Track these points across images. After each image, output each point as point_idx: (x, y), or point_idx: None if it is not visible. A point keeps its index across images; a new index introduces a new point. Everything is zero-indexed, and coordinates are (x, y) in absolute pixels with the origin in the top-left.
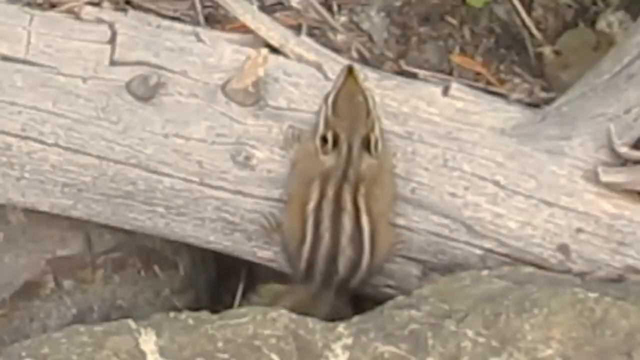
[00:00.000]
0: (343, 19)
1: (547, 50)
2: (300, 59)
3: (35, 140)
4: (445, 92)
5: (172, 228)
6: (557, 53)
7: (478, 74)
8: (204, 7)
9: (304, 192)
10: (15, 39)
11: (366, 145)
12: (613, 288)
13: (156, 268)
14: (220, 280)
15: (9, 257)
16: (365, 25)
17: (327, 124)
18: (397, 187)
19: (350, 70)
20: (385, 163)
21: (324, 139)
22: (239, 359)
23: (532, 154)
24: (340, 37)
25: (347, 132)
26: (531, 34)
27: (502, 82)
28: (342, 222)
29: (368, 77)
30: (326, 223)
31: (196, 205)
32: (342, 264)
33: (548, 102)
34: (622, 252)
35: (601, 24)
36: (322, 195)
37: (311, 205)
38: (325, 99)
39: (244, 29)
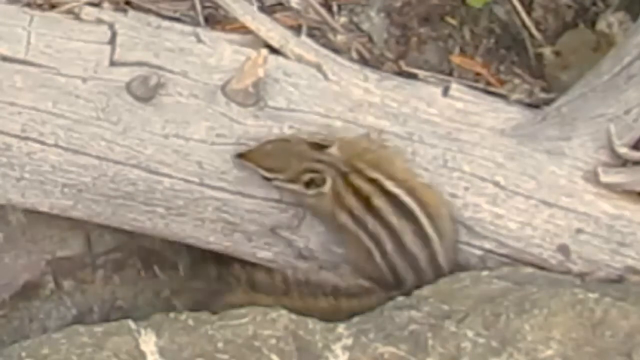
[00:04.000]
0: (343, 19)
1: (547, 51)
2: (300, 59)
3: (35, 140)
4: (445, 92)
5: (172, 229)
6: (557, 54)
7: (478, 74)
8: (204, 7)
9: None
10: (15, 39)
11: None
12: (613, 289)
13: (156, 268)
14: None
15: (9, 258)
16: (365, 26)
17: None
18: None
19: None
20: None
21: (308, 183)
22: (238, 359)
23: (532, 154)
24: (340, 38)
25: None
26: (531, 35)
27: (502, 82)
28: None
29: (368, 78)
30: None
31: (196, 206)
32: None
33: (548, 102)
34: (622, 252)
35: (601, 25)
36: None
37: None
38: None
39: (244, 30)
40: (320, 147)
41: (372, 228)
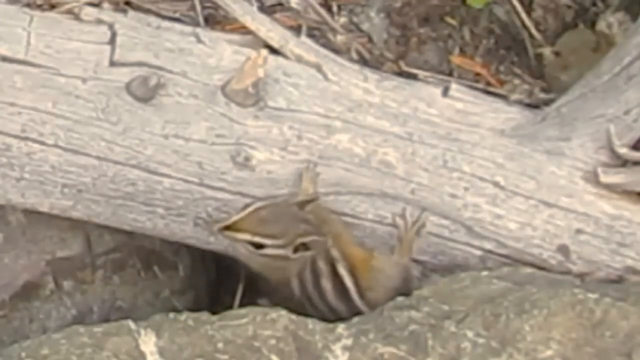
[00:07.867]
0: (343, 19)
1: (546, 51)
2: (300, 59)
3: (35, 141)
4: (445, 93)
5: (172, 229)
6: (556, 54)
7: (478, 74)
8: (203, 8)
9: None
10: (15, 39)
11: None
12: (613, 289)
13: (156, 269)
14: (220, 281)
15: (8, 258)
16: (365, 26)
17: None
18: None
19: None
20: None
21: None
22: (238, 359)
23: (532, 154)
24: (340, 38)
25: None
26: (531, 35)
27: (501, 83)
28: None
29: (368, 78)
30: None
31: (196, 206)
32: None
33: (548, 103)
34: (621, 253)
35: (601, 25)
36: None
37: None
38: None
39: (244, 30)
40: (306, 203)
41: (315, 301)
